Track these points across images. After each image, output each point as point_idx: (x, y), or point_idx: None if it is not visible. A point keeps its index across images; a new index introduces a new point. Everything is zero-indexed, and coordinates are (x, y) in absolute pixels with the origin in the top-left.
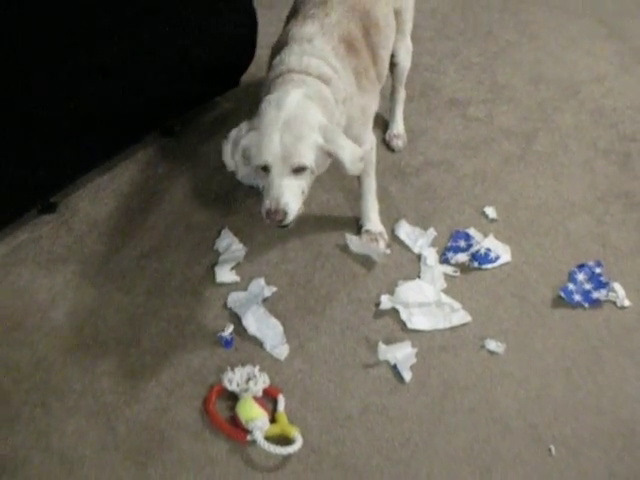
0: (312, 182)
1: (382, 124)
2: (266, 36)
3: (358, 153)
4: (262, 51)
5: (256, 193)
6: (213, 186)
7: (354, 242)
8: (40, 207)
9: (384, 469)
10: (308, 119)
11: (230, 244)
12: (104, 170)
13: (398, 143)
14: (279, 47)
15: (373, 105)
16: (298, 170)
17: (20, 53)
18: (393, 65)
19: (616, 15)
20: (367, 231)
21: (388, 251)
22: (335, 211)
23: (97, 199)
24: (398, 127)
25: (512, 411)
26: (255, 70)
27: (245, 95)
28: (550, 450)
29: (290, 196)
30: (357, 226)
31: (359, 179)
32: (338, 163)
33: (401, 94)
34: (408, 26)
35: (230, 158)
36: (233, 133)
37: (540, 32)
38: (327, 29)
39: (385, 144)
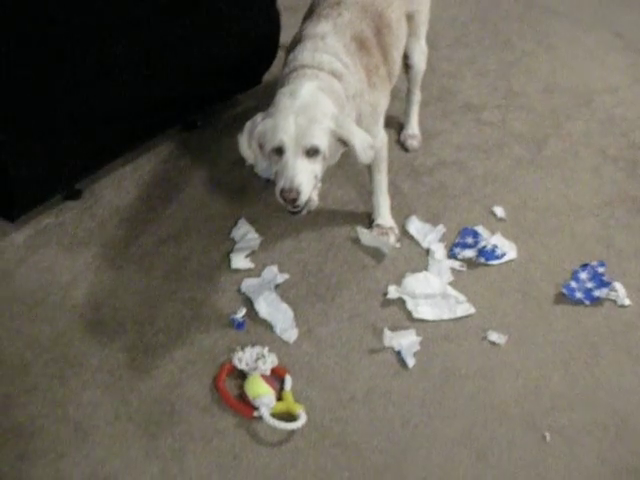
0: (324, 169)
1: (397, 125)
2: (289, 37)
3: (368, 141)
4: (281, 53)
5: (272, 186)
6: (231, 179)
7: (365, 235)
8: (65, 193)
9: (384, 449)
10: (321, 107)
11: (246, 233)
12: (128, 161)
13: (413, 143)
14: (294, 45)
15: (383, 102)
16: (311, 152)
17: (56, 41)
18: (408, 67)
19: (632, 28)
20: (378, 225)
21: (398, 245)
22: (348, 206)
23: (120, 188)
24: (413, 128)
25: (510, 399)
26: (277, 70)
27: (266, 93)
28: (545, 437)
29: (303, 176)
30: (369, 220)
31: (371, 175)
32: (350, 150)
33: (416, 96)
34: (422, 29)
35: (247, 148)
36: (248, 124)
37: (557, 43)
38: (339, 28)
39: (400, 144)
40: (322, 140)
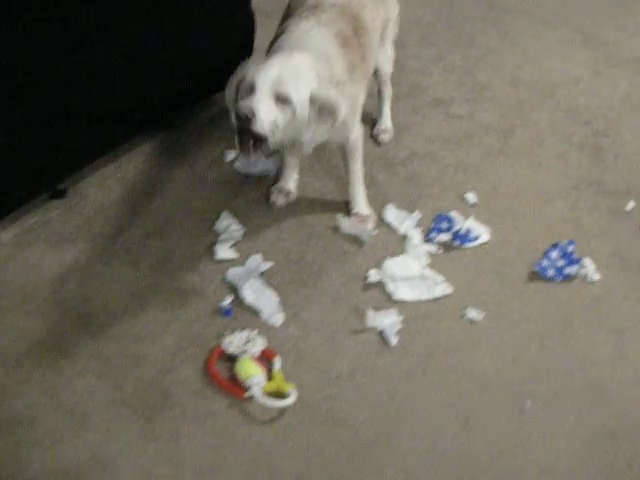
0: (286, 128)
1: (370, 120)
2: (262, 40)
3: (345, 107)
4: (258, 54)
5: (253, 181)
6: (212, 175)
7: (344, 223)
8: (50, 193)
9: (372, 422)
10: (309, 70)
11: (229, 225)
12: (110, 160)
13: (385, 137)
14: (276, 38)
15: (361, 96)
16: (281, 99)
17: (38, 43)
18: (375, 71)
19: (590, 25)
20: (356, 213)
21: (376, 232)
22: (327, 196)
23: (104, 186)
24: (386, 123)
25: (490, 371)
26: None
27: None
28: (525, 405)
29: (264, 109)
30: (347, 209)
31: (347, 167)
32: (330, 117)
33: (387, 93)
34: (389, 35)
35: (227, 90)
36: (238, 68)
37: (519, 39)
38: (323, 24)
39: (373, 138)
40: (297, 93)
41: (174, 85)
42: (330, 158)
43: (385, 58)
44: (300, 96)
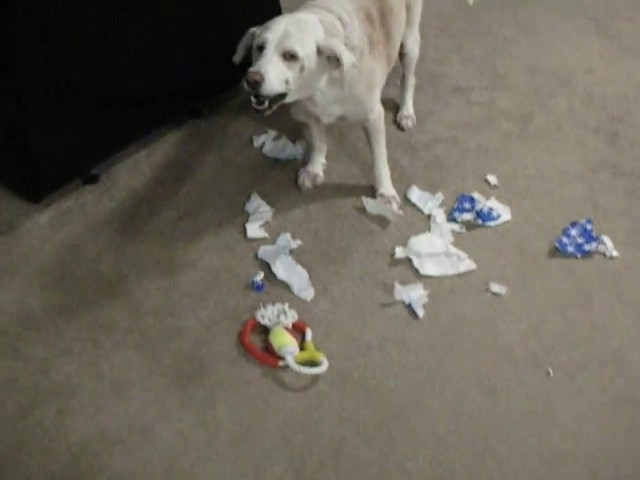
0: (298, 83)
1: (393, 107)
2: None
3: (353, 60)
4: None
5: (280, 165)
6: (240, 160)
7: (370, 204)
8: (83, 178)
9: (401, 389)
10: (315, 26)
11: (259, 206)
12: (140, 147)
13: (408, 123)
14: None
15: (379, 74)
16: (288, 56)
17: (67, 35)
18: (402, 55)
19: (605, 15)
20: (381, 194)
21: (401, 212)
22: (351, 180)
23: (135, 171)
24: (408, 109)
25: (514, 342)
26: None
27: None
28: (549, 373)
29: (273, 68)
30: (372, 191)
31: (371, 148)
32: (337, 68)
33: (410, 81)
34: (416, 19)
35: (239, 48)
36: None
37: (536, 29)
38: None
39: (396, 124)
40: (303, 48)
41: (202, 73)
42: (355, 144)
43: (413, 41)
44: (306, 50)
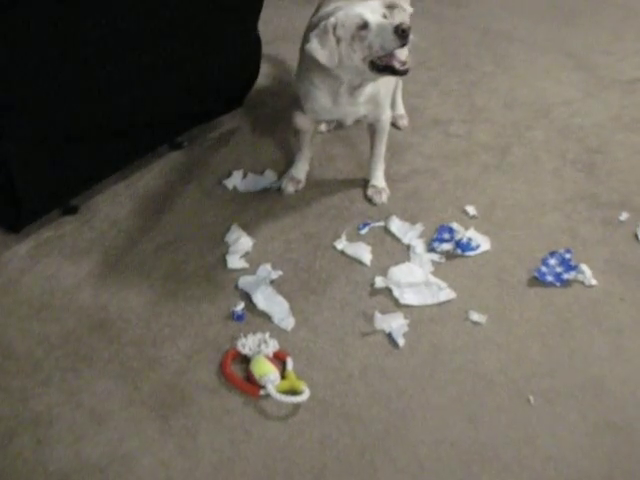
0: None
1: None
2: (265, 67)
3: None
4: (261, 79)
5: (259, 196)
6: (220, 191)
7: (347, 246)
8: (63, 209)
9: (382, 417)
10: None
11: (239, 237)
12: (120, 178)
13: (403, 122)
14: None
15: (392, 79)
16: (391, 7)
17: (49, 67)
18: None
19: (582, 50)
20: (373, 186)
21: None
22: (331, 211)
23: (115, 202)
24: (400, 109)
25: (494, 369)
26: (256, 94)
27: (247, 115)
28: (529, 400)
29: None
30: (364, 183)
31: (372, 143)
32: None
33: (400, 83)
34: None
35: (322, 49)
36: (316, 32)
37: (514, 64)
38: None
39: (392, 125)
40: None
41: (182, 106)
42: (335, 176)
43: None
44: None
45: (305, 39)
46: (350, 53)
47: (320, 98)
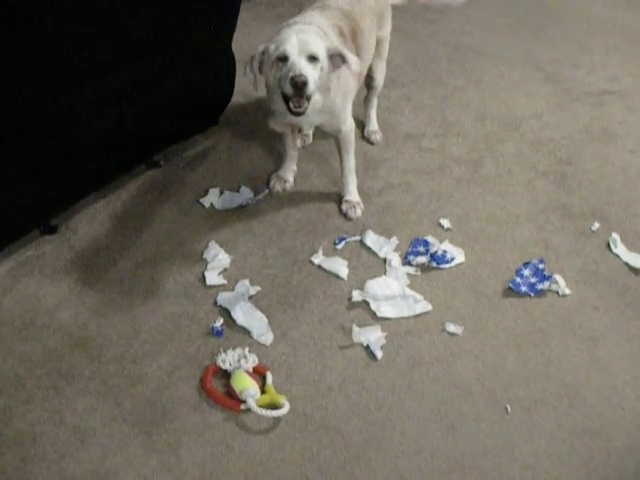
0: (321, 82)
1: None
2: (239, 85)
3: (356, 59)
4: (236, 97)
5: (236, 213)
6: (198, 208)
7: (324, 261)
8: (42, 229)
9: (362, 429)
10: (317, 32)
11: (217, 254)
12: (99, 198)
13: (377, 137)
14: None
15: (352, 84)
16: (311, 59)
17: (23, 87)
18: (370, 83)
19: (550, 63)
20: (347, 200)
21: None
22: (308, 226)
23: (94, 221)
24: (374, 125)
25: (472, 379)
26: (230, 112)
27: (222, 133)
28: (506, 409)
29: (309, 71)
30: (339, 198)
31: (341, 158)
32: (339, 68)
33: (374, 101)
34: (385, 54)
35: (247, 71)
36: (252, 54)
37: (484, 78)
38: (325, 15)
39: (365, 139)
40: (321, 50)
41: (159, 125)
42: (310, 190)
43: (381, 71)
44: (322, 52)
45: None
46: (271, 74)
47: (277, 104)
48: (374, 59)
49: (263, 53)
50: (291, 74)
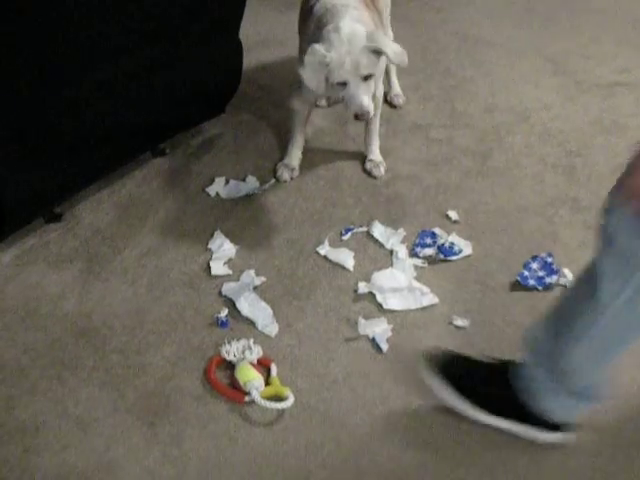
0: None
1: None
2: (245, 73)
3: (398, 49)
4: (243, 85)
5: (242, 202)
6: (203, 197)
7: (329, 251)
8: (47, 217)
9: (366, 422)
10: (359, 37)
11: (222, 244)
12: (104, 186)
13: (399, 100)
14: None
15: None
16: (367, 78)
17: (31, 74)
18: None
19: (560, 55)
20: (370, 160)
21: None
22: (315, 216)
23: (99, 210)
24: (396, 89)
25: None
26: (237, 101)
27: (229, 121)
28: None
29: (366, 98)
30: (362, 157)
31: (368, 121)
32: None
33: (392, 65)
34: (388, 22)
35: (312, 79)
36: (309, 58)
37: (493, 69)
38: None
39: (388, 103)
40: (372, 67)
41: (164, 112)
42: (317, 181)
43: (389, 37)
44: (373, 66)
45: (303, 24)
46: (325, 87)
47: (313, 83)
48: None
49: (324, 65)
50: (354, 109)
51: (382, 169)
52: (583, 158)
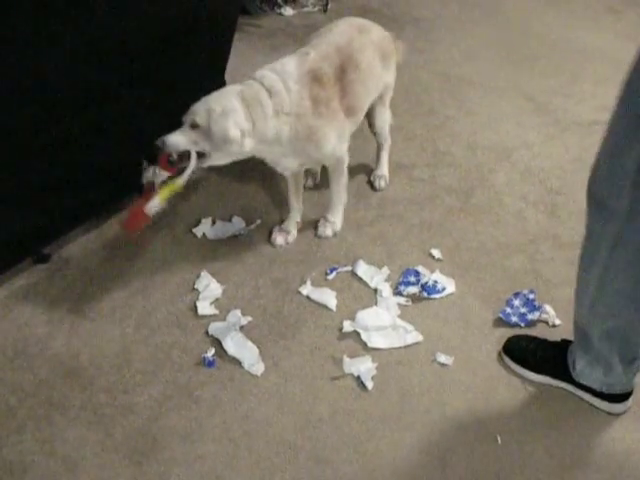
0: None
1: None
2: None
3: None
4: None
5: (228, 242)
6: (190, 238)
7: (312, 291)
8: (35, 258)
9: (352, 460)
10: (223, 100)
11: (208, 284)
12: (92, 227)
13: (380, 183)
14: None
15: (327, 129)
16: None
17: (17, 112)
18: (371, 127)
19: (541, 94)
20: (324, 217)
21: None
22: (299, 256)
23: (87, 251)
24: (382, 169)
25: (462, 410)
26: None
27: None
28: (497, 439)
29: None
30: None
31: (330, 185)
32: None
33: (385, 145)
34: (388, 100)
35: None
36: None
37: (475, 108)
38: (301, 61)
39: (369, 184)
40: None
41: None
42: (302, 220)
43: (382, 118)
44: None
45: None
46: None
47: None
48: (375, 102)
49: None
50: (165, 151)
51: (329, 230)
52: (564, 196)
